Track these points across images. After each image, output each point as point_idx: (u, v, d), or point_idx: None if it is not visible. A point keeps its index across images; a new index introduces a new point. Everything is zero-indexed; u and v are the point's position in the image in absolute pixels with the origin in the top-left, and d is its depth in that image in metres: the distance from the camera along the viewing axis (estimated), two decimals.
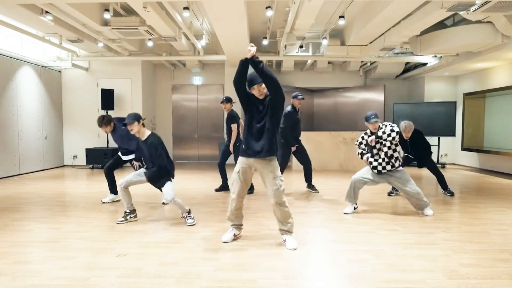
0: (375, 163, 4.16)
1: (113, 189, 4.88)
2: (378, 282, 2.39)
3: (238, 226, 3.31)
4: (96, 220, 3.95)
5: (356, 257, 2.85)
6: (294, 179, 6.86)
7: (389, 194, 5.32)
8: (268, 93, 3.04)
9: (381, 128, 4.09)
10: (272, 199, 3.05)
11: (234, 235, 3.26)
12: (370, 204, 4.75)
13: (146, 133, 3.77)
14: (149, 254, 2.91)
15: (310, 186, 5.66)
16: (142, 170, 3.94)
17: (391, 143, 4.09)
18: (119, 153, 4.90)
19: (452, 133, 9.00)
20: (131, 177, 3.84)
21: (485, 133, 8.17)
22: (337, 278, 2.46)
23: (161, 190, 3.84)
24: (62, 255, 2.89)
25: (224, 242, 3.18)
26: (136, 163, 4.56)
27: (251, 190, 5.40)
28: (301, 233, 3.44)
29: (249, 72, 3.00)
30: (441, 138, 9.44)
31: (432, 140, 9.63)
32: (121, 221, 3.81)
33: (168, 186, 3.74)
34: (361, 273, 2.53)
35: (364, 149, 4.33)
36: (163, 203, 4.77)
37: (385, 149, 4.10)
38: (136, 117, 3.63)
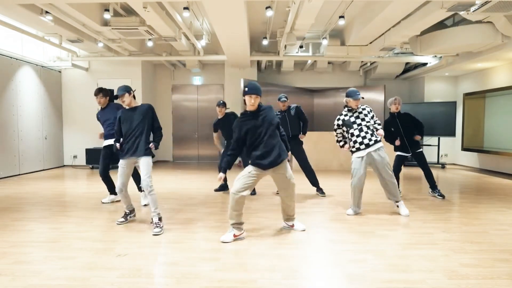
0: (362, 140, 4.00)
1: (112, 190, 4.86)
2: (378, 282, 2.39)
3: (238, 226, 3.28)
4: (96, 220, 3.95)
5: (356, 257, 2.85)
6: None
7: None
8: (261, 107, 3.27)
9: (365, 108, 4.16)
10: (287, 196, 3.41)
11: (234, 235, 3.25)
12: (370, 204, 4.75)
13: (138, 103, 3.77)
14: (149, 254, 2.91)
15: (318, 189, 5.40)
16: (123, 162, 3.64)
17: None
18: (104, 144, 4.70)
19: (452, 133, 9.00)
20: (121, 178, 3.66)
21: (485, 133, 8.17)
22: (337, 278, 2.46)
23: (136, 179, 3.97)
24: (62, 255, 2.89)
25: (224, 242, 3.18)
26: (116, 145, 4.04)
27: (253, 191, 5.39)
28: (301, 233, 3.45)
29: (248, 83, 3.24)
30: (441, 138, 9.44)
31: (432, 140, 9.65)
32: (121, 221, 3.81)
33: (149, 162, 3.58)
34: (361, 273, 2.53)
35: (340, 137, 4.32)
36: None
37: (365, 122, 4.07)
38: (127, 89, 3.65)
